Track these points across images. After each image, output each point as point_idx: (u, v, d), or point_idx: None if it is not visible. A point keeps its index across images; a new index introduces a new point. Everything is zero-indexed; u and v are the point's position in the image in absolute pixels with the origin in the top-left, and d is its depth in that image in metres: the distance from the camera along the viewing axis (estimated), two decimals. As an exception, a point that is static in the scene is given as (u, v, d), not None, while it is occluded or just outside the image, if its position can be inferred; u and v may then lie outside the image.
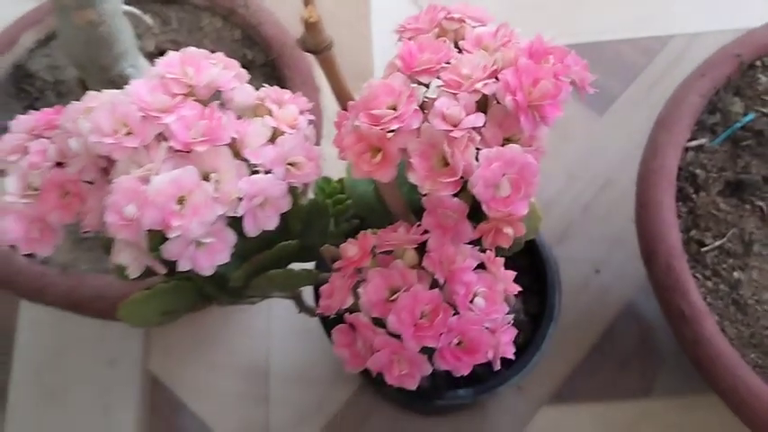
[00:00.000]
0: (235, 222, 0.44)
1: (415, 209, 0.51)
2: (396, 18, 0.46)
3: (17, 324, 0.88)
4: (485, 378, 0.68)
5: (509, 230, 0.39)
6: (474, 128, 0.38)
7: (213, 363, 0.85)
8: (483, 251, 0.46)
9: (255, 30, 0.73)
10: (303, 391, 0.83)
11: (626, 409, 0.80)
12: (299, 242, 0.51)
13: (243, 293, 0.52)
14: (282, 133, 0.44)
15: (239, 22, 0.73)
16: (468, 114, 0.38)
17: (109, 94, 0.43)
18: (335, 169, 0.65)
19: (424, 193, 0.39)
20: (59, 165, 0.45)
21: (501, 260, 0.47)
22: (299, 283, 0.52)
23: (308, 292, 0.63)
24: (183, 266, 0.42)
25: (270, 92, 0.45)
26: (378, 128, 0.39)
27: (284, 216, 0.51)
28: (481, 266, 0.46)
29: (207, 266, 0.43)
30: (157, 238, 0.43)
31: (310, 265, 0.63)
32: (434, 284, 0.44)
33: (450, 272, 0.44)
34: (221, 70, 0.45)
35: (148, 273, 0.55)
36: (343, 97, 0.44)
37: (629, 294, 0.85)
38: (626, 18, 1.01)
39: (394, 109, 0.39)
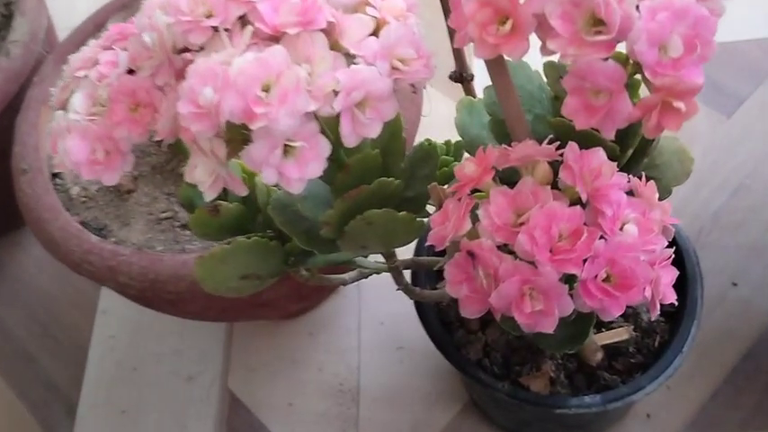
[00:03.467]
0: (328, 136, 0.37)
1: (541, 142, 0.43)
2: None
3: (91, 337, 0.82)
4: (613, 387, 0.58)
5: (680, 105, 0.30)
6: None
7: (298, 382, 0.76)
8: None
9: None
10: (396, 413, 0.73)
11: (778, 442, 0.67)
12: (401, 183, 0.43)
13: (335, 247, 0.44)
14: (388, 24, 0.37)
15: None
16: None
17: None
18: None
19: (567, 60, 0.31)
20: (131, 72, 0.39)
21: (653, 185, 0.38)
22: (404, 232, 0.44)
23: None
24: (268, 177, 0.35)
25: (371, -13, 0.39)
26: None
27: (385, 154, 0.44)
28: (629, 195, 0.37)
29: (296, 179, 0.36)
30: (238, 142, 0.36)
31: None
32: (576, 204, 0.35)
33: (595, 188, 0.35)
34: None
35: (231, 229, 0.49)
36: None
37: (773, 310, 0.73)
38: (755, 18, 0.92)
39: (527, -33, 0.32)
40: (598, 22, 0.31)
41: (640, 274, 0.34)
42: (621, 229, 0.35)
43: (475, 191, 0.37)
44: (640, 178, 0.38)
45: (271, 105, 0.33)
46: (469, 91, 0.52)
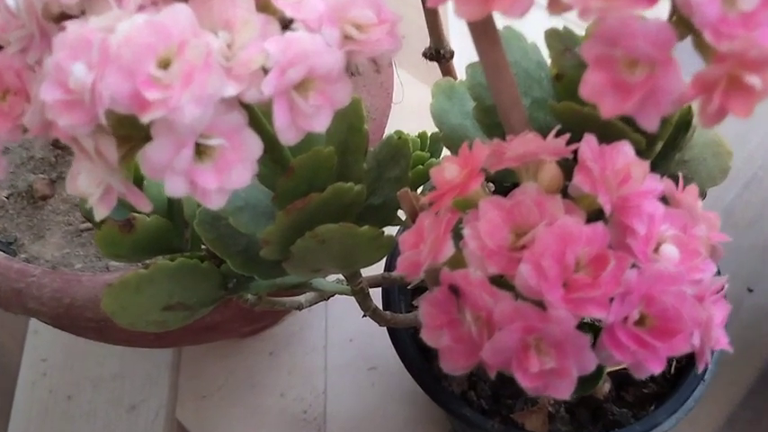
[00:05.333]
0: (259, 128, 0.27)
1: (541, 132, 0.33)
2: None
3: (21, 361, 0.72)
4: (623, 423, 0.49)
5: (753, 80, 0.21)
6: None
7: (256, 409, 0.67)
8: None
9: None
10: (368, 444, 0.64)
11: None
12: (363, 189, 0.34)
13: (280, 270, 0.35)
14: (338, -24, 0.27)
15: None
16: None
17: None
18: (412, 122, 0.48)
19: (589, 19, 0.21)
20: (-3, 48, 0.29)
21: (695, 189, 0.29)
22: (367, 250, 0.34)
23: (375, 296, 0.45)
24: (173, 188, 0.25)
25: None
26: None
27: (341, 150, 0.35)
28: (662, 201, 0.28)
29: (215, 190, 0.26)
30: (138, 140, 0.26)
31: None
32: (592, 220, 0.26)
33: (623, 197, 0.26)
34: None
35: (148, 248, 0.39)
36: None
37: (794, 319, 0.65)
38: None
39: None
40: (632, -36, 0.21)
41: (686, 315, 0.25)
42: (656, 251, 0.26)
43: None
44: (675, 180, 0.28)
45: (170, 88, 0.24)
46: (448, 71, 0.43)
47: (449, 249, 0.26)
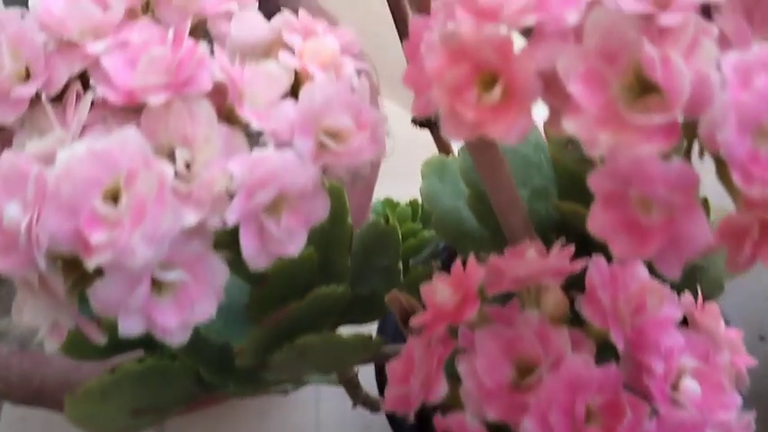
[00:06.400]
0: (228, 242, 0.24)
1: (543, 227, 0.30)
2: None
3: (-1, 421, 0.68)
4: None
5: (792, 228, 0.18)
6: (703, 9, 0.18)
7: (245, 470, 0.64)
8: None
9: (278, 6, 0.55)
10: None
11: None
12: (347, 289, 0.31)
13: (258, 378, 0.32)
14: (311, 78, 0.24)
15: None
16: (689, -18, 0.18)
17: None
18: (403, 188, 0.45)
19: (595, 153, 0.18)
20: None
21: (716, 309, 0.26)
22: (350, 359, 0.31)
23: (366, 373, 0.42)
24: (128, 328, 0.22)
25: (290, 18, 0.26)
26: (493, 27, 0.19)
27: (322, 245, 0.32)
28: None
29: (174, 328, 0.23)
30: (79, 275, 0.23)
31: (370, 329, 0.42)
32: (603, 353, 0.23)
33: (637, 330, 0.23)
34: (204, -21, 0.25)
35: (118, 345, 0.36)
36: None
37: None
38: None
39: (526, -6, 0.19)
40: (647, 88, 0.18)
41: (712, 467, 0.22)
42: (676, 387, 0.23)
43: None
44: (694, 294, 0.25)
45: (118, 226, 0.21)
46: (440, 140, 0.40)
47: (442, 388, 0.23)
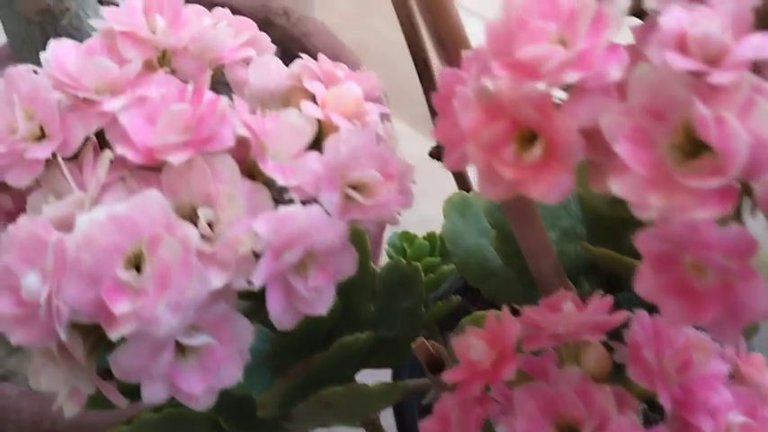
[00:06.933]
0: (251, 299, 0.23)
1: (573, 269, 0.30)
2: None
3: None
4: None
5: None
6: (754, 66, 0.17)
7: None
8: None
9: (299, 43, 0.54)
10: None
11: None
12: (371, 334, 0.30)
13: (280, 427, 0.31)
14: (336, 129, 0.23)
15: (278, 36, 0.54)
16: (740, 35, 0.17)
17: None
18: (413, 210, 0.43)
19: (646, 216, 0.17)
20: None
21: (761, 360, 0.25)
22: (375, 407, 0.30)
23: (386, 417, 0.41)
24: (151, 395, 0.22)
25: (310, 64, 0.25)
26: (533, 85, 0.18)
27: (344, 290, 0.30)
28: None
29: (200, 394, 0.22)
30: (98, 337, 0.22)
31: (385, 373, 0.41)
32: (650, 411, 0.22)
33: (684, 389, 0.22)
34: (221, 27, 0.25)
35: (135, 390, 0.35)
36: (449, 38, 0.22)
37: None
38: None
39: (563, 44, 0.19)
40: (698, 147, 0.17)
41: None
42: (725, 444, 0.22)
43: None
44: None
45: (142, 294, 0.20)
46: (458, 172, 0.39)
47: (479, 450, 0.22)
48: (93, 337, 0.23)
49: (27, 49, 0.40)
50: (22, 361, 0.47)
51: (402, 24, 0.32)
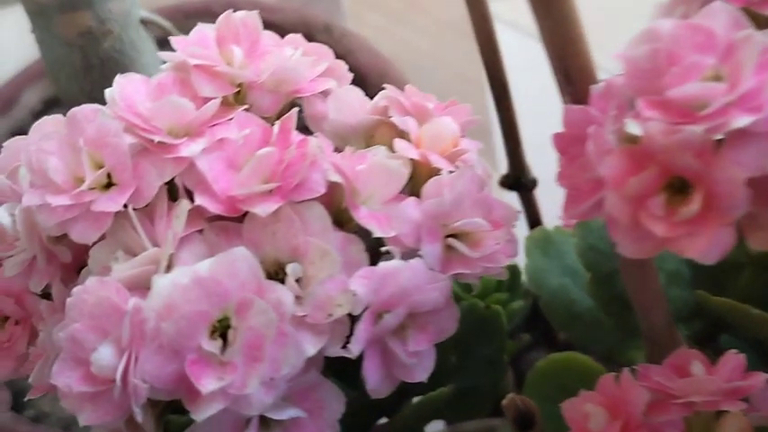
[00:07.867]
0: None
1: (677, 313, 0.27)
2: None
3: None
4: None
5: None
6: None
7: None
8: None
9: (344, 60, 0.51)
10: None
11: None
12: (451, 388, 0.27)
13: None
14: (437, 172, 0.21)
15: (320, 54, 0.51)
16: None
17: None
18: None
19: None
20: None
21: None
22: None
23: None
24: (234, 474, 0.19)
25: (397, 96, 0.22)
26: (693, 129, 0.16)
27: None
28: None
29: (283, 470, 0.19)
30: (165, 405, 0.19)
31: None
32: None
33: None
34: (297, 56, 0.22)
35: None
36: (578, 73, 0.19)
37: None
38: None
39: (718, 80, 0.16)
40: None
41: None
42: None
43: None
44: None
45: (231, 368, 0.17)
46: (529, 202, 0.36)
47: None
48: (161, 405, 0.20)
49: (65, 74, 0.37)
50: (55, 401, 0.45)
51: (481, 47, 0.30)
